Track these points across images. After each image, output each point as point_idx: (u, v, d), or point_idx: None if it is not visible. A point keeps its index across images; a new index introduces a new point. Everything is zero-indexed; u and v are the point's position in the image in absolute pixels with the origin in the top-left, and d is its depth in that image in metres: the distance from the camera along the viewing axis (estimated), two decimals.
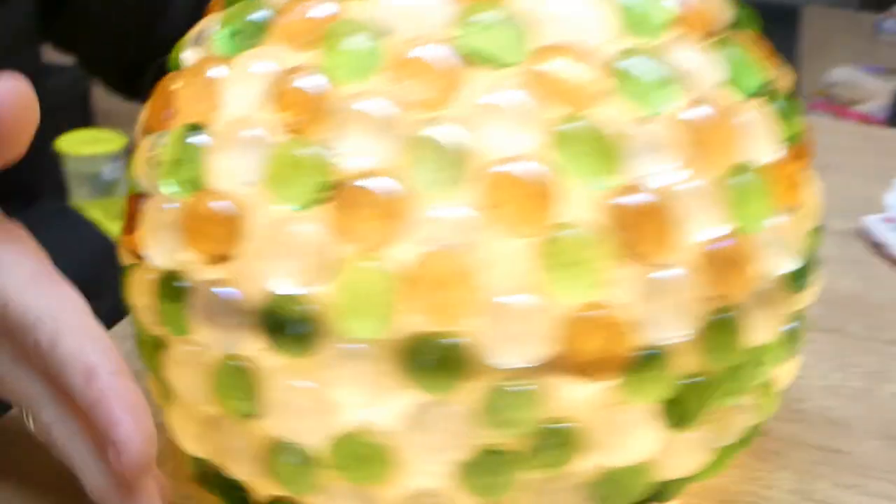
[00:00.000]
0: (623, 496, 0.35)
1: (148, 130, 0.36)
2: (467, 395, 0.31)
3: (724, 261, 0.32)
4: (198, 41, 0.36)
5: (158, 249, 0.34)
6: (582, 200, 0.31)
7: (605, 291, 0.31)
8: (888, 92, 1.73)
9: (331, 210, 0.31)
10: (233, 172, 0.32)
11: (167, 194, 0.34)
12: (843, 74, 1.75)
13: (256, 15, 0.33)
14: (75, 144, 1.31)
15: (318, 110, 0.31)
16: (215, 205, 0.32)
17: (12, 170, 0.35)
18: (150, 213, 0.34)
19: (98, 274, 0.37)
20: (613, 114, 0.31)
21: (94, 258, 0.40)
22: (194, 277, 0.33)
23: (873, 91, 1.75)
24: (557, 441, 0.32)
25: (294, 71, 0.31)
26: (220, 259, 0.32)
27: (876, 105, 1.72)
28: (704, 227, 0.32)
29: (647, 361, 0.31)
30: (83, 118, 1.50)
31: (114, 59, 0.76)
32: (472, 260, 0.30)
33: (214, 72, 0.34)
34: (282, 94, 0.32)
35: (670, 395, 0.32)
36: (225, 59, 0.34)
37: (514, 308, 0.30)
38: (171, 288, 0.34)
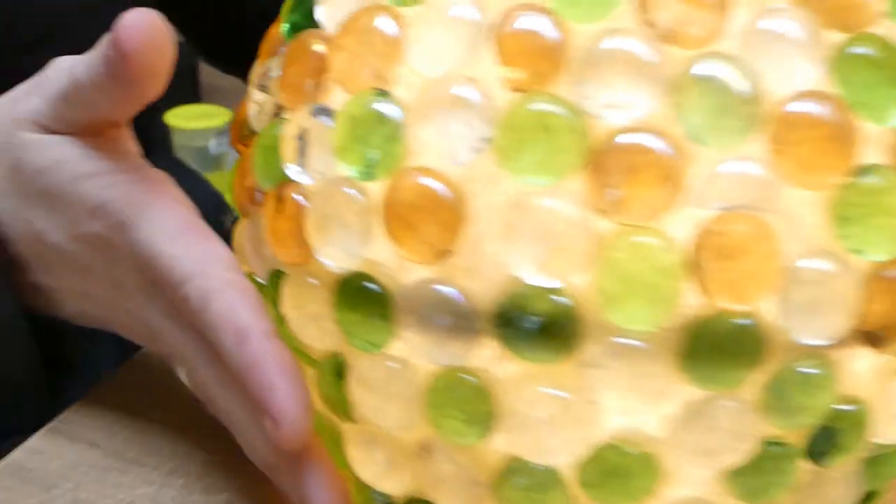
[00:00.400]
0: (887, 478, 0.30)
1: (288, 105, 0.29)
2: (752, 384, 0.26)
3: None
4: None
5: (336, 248, 0.28)
6: (875, 140, 0.26)
7: None
8: None
9: (588, 179, 0.25)
10: (443, 145, 0.26)
11: (345, 179, 0.27)
12: None
13: None
14: (183, 119, 1.30)
15: (555, 58, 0.25)
16: (431, 186, 0.26)
17: None
18: (320, 205, 0.28)
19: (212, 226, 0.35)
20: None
21: (207, 211, 0.36)
22: (398, 278, 0.27)
23: None
24: (847, 424, 0.28)
25: (517, 11, 0.25)
26: (439, 254, 0.26)
27: None
28: None
29: None
30: (191, 93, 1.47)
31: (214, 30, 0.75)
32: (770, 221, 0.25)
33: (385, 23, 0.27)
34: (504, 40, 0.25)
35: None
36: (392, 9, 0.27)
37: (816, 273, 0.25)
38: (361, 293, 0.27)
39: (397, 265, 0.27)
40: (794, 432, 0.28)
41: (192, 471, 0.38)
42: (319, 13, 0.30)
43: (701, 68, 0.25)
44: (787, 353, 0.26)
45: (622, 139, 0.25)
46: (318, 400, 0.32)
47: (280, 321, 0.31)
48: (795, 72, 0.25)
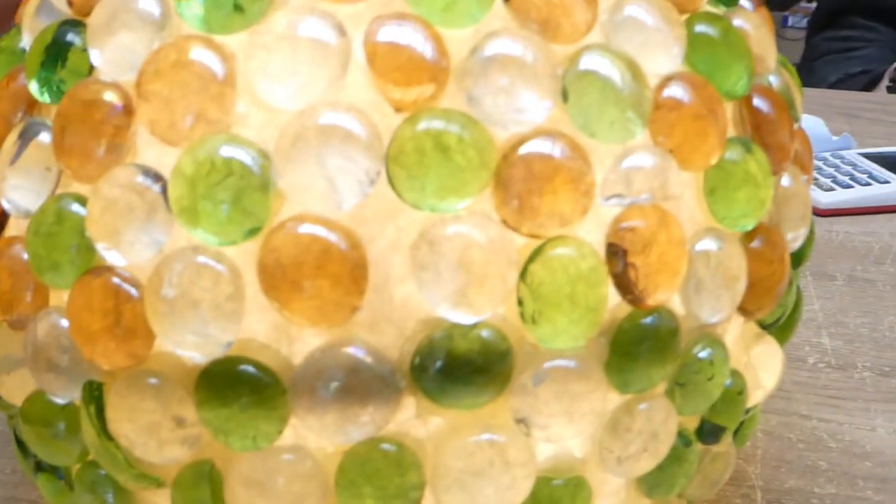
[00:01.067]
0: (745, 442, 0.32)
1: (77, 176, 0.24)
2: (664, 379, 0.26)
3: None
4: None
5: (192, 334, 0.23)
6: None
7: None
8: None
9: (495, 195, 0.23)
10: (322, 187, 0.22)
11: (194, 248, 0.23)
12: None
13: None
14: None
15: (437, 70, 0.23)
16: (317, 235, 0.22)
17: None
18: (159, 285, 0.23)
19: None
20: None
21: None
22: (283, 354, 0.23)
23: None
24: (730, 399, 0.28)
25: (381, 22, 0.22)
26: (340, 312, 0.22)
27: None
28: None
29: None
30: None
31: None
32: (671, 209, 0.24)
33: (204, 56, 0.23)
34: (375, 57, 0.22)
35: None
36: (207, 39, 0.23)
37: (712, 254, 0.26)
38: (235, 381, 0.23)
39: (280, 338, 0.23)
40: (691, 420, 0.28)
41: None
42: (96, 58, 0.24)
43: (584, 64, 0.23)
44: (689, 340, 0.26)
45: (526, 149, 0.23)
46: None
47: (102, 444, 0.25)
48: (657, 55, 0.25)
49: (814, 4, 1.65)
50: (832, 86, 1.23)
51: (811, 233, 0.31)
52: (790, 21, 2.50)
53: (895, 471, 0.37)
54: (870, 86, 1.16)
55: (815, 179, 0.62)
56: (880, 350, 0.45)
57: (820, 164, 0.65)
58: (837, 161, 0.65)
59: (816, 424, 0.40)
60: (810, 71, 1.31)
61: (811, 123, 0.69)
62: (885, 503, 0.35)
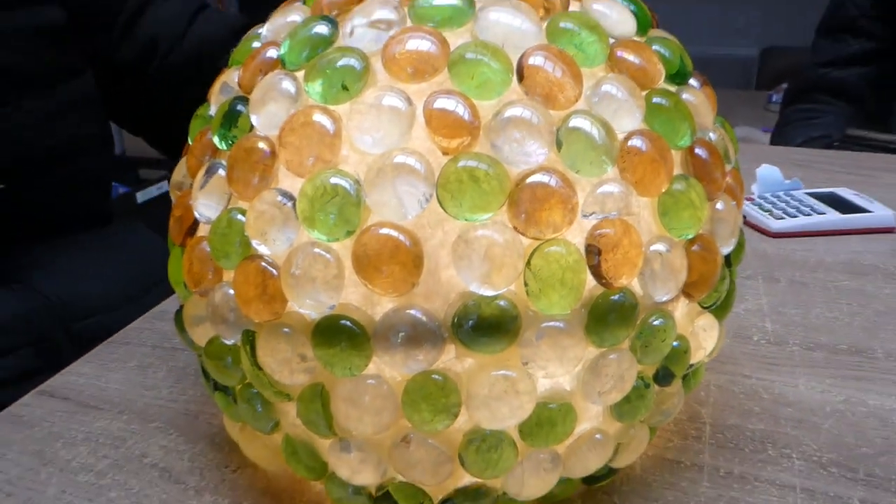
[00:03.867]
0: (694, 387, 0.32)
1: (241, 196, 0.26)
2: (628, 339, 0.27)
3: None
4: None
5: (310, 299, 0.25)
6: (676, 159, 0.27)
7: None
8: None
9: (509, 211, 0.24)
10: (395, 204, 0.24)
11: (313, 242, 0.25)
12: (744, 132, 1.77)
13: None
14: None
15: (472, 127, 0.24)
16: (392, 236, 0.24)
17: None
18: (292, 267, 0.25)
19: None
20: None
21: None
22: (369, 313, 0.25)
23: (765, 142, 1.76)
24: (678, 355, 0.29)
25: (436, 96, 0.24)
26: (404, 288, 0.24)
27: None
28: None
29: None
30: None
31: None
32: (631, 221, 0.25)
33: (321, 119, 0.25)
34: (431, 118, 0.24)
35: None
36: (324, 108, 0.25)
37: (660, 254, 0.26)
38: (338, 331, 0.25)
39: (366, 303, 0.25)
40: (650, 368, 0.29)
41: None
42: (255, 120, 0.27)
43: (572, 123, 0.25)
44: (646, 312, 0.27)
45: (531, 180, 0.24)
46: (293, 428, 0.28)
47: (254, 371, 0.27)
48: (624, 118, 0.26)
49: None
50: (798, 145, 1.19)
51: (740, 243, 0.31)
52: (774, 98, 2.43)
53: (809, 415, 0.37)
54: (827, 147, 1.13)
55: (770, 211, 0.61)
56: (807, 332, 0.45)
57: (775, 199, 0.64)
58: (788, 198, 0.64)
59: (755, 382, 0.40)
60: (782, 134, 1.28)
61: (770, 171, 0.68)
62: (799, 437, 0.35)
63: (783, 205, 0.62)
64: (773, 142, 1.24)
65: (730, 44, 2.68)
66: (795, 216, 0.60)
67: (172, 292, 0.48)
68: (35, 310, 0.60)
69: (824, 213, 0.60)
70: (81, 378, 0.41)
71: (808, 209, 0.61)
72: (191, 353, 0.42)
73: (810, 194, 0.65)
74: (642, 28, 0.29)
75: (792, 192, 0.65)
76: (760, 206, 0.62)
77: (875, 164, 0.78)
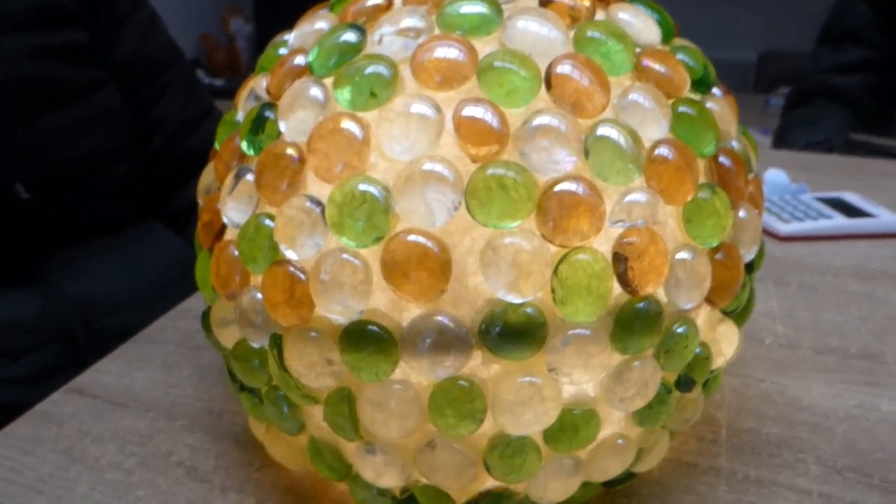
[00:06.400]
0: (712, 392, 0.31)
1: (269, 201, 0.25)
2: (652, 346, 0.26)
3: None
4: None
5: (338, 304, 0.24)
6: (703, 167, 0.26)
7: None
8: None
9: (537, 219, 0.23)
10: (423, 211, 0.23)
11: (341, 248, 0.24)
12: None
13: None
14: None
15: (501, 135, 0.23)
16: (420, 243, 0.23)
17: None
18: (320, 273, 0.24)
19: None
20: None
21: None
22: (396, 319, 0.24)
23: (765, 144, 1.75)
24: (700, 362, 0.28)
25: (465, 104, 0.23)
26: (433, 293, 0.23)
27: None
28: None
29: None
30: None
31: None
32: (657, 230, 0.24)
33: (350, 126, 0.24)
34: (461, 126, 0.23)
35: None
36: (352, 115, 0.25)
37: (685, 262, 0.25)
38: (366, 336, 0.24)
39: (394, 309, 0.24)
40: (672, 374, 0.28)
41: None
42: (283, 126, 0.26)
43: (600, 132, 0.24)
44: (670, 320, 0.26)
45: (559, 188, 0.23)
46: (319, 430, 0.28)
47: (281, 374, 0.26)
48: (651, 127, 0.25)
49: (789, 88, 1.59)
50: (800, 150, 1.18)
51: (761, 250, 0.30)
52: (772, 102, 2.41)
53: (823, 420, 0.36)
54: (828, 151, 1.12)
55: (778, 214, 0.60)
56: (818, 336, 0.44)
57: (783, 203, 0.63)
58: (795, 202, 0.63)
59: (769, 386, 0.39)
60: (783, 138, 1.26)
61: (777, 175, 0.67)
62: (814, 441, 0.34)
63: (791, 208, 0.61)
64: (775, 146, 1.23)
65: (728, 47, 2.66)
66: (803, 220, 0.59)
67: (192, 292, 0.47)
68: (58, 308, 0.60)
69: (831, 218, 0.59)
70: (108, 376, 0.41)
71: (815, 213, 0.60)
72: (214, 352, 0.42)
73: (816, 198, 0.64)
74: (666, 37, 0.28)
75: (798, 196, 0.64)
76: (768, 210, 0.61)
77: (879, 170, 0.77)
